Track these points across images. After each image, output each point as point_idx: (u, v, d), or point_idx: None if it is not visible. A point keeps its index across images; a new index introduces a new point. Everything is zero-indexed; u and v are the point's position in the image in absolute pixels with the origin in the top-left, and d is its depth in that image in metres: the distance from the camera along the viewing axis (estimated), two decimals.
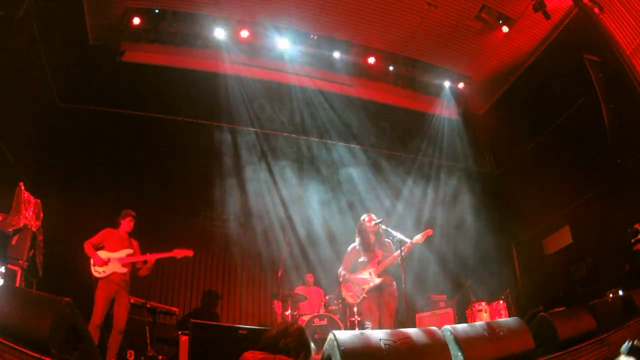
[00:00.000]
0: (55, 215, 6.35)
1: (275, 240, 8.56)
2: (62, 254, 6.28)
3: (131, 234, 5.79)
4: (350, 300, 5.43)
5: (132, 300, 6.06)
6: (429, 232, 5.21)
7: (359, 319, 6.15)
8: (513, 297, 8.14)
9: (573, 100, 8.17)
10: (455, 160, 10.18)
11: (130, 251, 5.59)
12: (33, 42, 6.33)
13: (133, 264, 5.63)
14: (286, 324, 2.72)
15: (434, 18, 8.42)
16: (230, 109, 8.95)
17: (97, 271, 5.33)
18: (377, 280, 5.22)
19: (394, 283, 5.32)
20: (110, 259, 5.41)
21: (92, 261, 5.36)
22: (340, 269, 5.48)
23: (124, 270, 5.46)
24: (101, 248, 5.47)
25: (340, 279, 5.47)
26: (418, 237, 5.16)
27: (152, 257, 5.60)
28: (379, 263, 5.28)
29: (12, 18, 5.65)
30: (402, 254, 5.02)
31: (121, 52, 8.51)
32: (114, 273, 5.36)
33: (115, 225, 5.73)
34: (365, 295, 5.21)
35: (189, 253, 5.76)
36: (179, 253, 5.68)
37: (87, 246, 5.40)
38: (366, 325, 5.10)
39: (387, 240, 5.44)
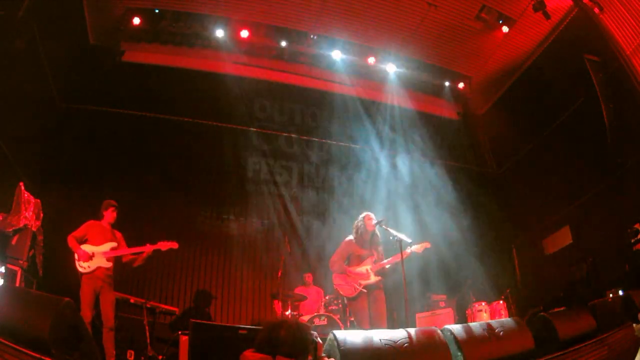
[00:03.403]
0: (55, 215, 6.34)
1: (275, 240, 8.55)
2: (62, 254, 6.25)
3: (113, 225, 5.63)
4: (343, 292, 5.36)
5: (132, 300, 6.04)
6: (427, 244, 5.31)
7: (352, 319, 6.13)
8: (513, 297, 8.14)
9: (573, 100, 8.17)
10: (456, 160, 10.18)
11: (114, 244, 5.44)
12: (33, 42, 6.33)
13: (118, 258, 5.48)
14: (274, 327, 2.63)
15: (434, 18, 8.43)
16: (230, 109, 8.95)
17: (82, 266, 5.17)
18: (374, 278, 5.23)
19: (383, 286, 5.34)
20: (94, 253, 5.26)
21: (76, 256, 5.21)
22: (335, 258, 5.40)
23: (109, 264, 5.31)
24: (85, 242, 5.32)
25: (334, 269, 5.38)
26: (416, 247, 5.21)
27: (149, 249, 5.44)
28: (375, 262, 5.29)
29: (12, 18, 5.65)
30: (403, 258, 5.03)
31: (121, 52, 8.52)
32: (98, 268, 5.21)
33: (97, 217, 5.56)
34: (364, 290, 5.19)
35: (174, 245, 5.57)
36: (163, 245, 5.51)
37: (71, 240, 5.24)
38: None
39: (380, 247, 5.42)
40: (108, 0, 7.81)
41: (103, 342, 5.00)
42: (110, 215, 5.57)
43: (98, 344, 4.85)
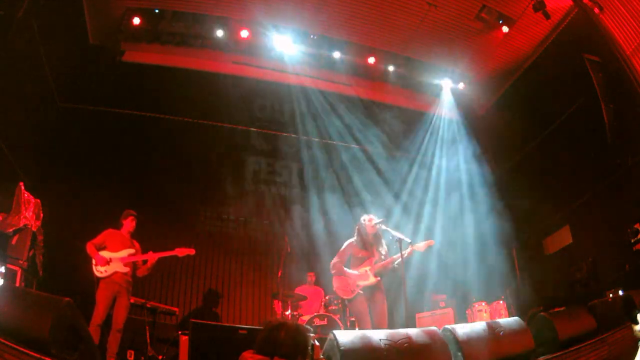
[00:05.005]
0: (55, 215, 6.35)
1: (276, 240, 8.56)
2: (62, 253, 6.28)
3: (132, 234, 5.77)
4: (341, 294, 5.36)
5: (132, 300, 6.06)
6: (431, 242, 5.26)
7: (352, 319, 6.13)
8: (513, 297, 8.14)
9: (573, 100, 8.16)
10: (456, 160, 10.17)
11: (132, 251, 5.57)
12: (33, 42, 6.33)
13: (134, 264, 5.62)
14: (273, 328, 2.60)
15: (434, 18, 8.41)
16: (230, 109, 8.95)
17: (99, 271, 5.30)
18: (373, 279, 5.23)
19: (384, 287, 5.34)
20: (112, 258, 5.39)
21: (93, 261, 5.34)
22: (335, 260, 5.40)
23: (126, 269, 5.44)
24: (103, 249, 5.45)
25: (334, 271, 5.39)
26: (419, 245, 5.18)
27: (153, 256, 5.58)
28: (375, 263, 5.28)
29: (12, 18, 5.65)
30: (403, 257, 5.02)
31: (121, 52, 8.52)
32: (115, 273, 5.34)
33: (117, 226, 5.72)
34: (361, 292, 5.19)
35: (191, 251, 5.79)
36: (181, 252, 5.70)
37: (89, 247, 5.38)
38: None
39: (385, 247, 5.42)
40: (108, 0, 7.80)
41: (108, 342, 5.07)
42: (129, 224, 5.71)
43: (100, 344, 4.88)
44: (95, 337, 4.57)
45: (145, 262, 5.62)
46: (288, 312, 6.85)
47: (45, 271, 5.97)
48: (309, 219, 9.01)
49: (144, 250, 5.69)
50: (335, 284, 5.41)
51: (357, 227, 5.48)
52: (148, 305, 6.28)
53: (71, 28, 7.49)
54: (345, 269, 5.33)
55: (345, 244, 5.51)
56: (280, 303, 6.88)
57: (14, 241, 5.48)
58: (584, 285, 7.51)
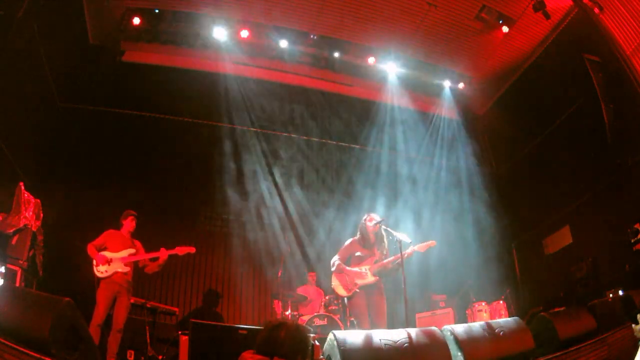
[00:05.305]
0: (56, 215, 6.35)
1: (276, 240, 8.56)
2: (62, 253, 6.28)
3: (132, 234, 5.79)
4: (339, 291, 5.35)
5: (132, 300, 6.08)
6: (432, 243, 5.23)
7: (352, 319, 6.13)
8: (513, 297, 8.14)
9: (573, 100, 8.16)
10: (456, 160, 10.18)
11: (132, 251, 5.58)
12: (33, 42, 6.32)
13: (136, 264, 5.62)
14: (273, 328, 2.58)
15: (434, 18, 8.42)
16: (230, 109, 8.95)
17: (100, 271, 5.32)
18: (372, 279, 5.23)
19: (383, 286, 5.33)
20: (112, 259, 5.41)
21: (94, 261, 5.36)
22: (335, 258, 5.41)
23: (127, 269, 5.45)
24: (104, 249, 5.47)
25: (333, 268, 5.39)
26: (420, 246, 5.17)
27: (165, 253, 5.57)
28: (375, 262, 5.29)
29: (12, 18, 5.65)
30: (403, 258, 5.01)
31: (121, 52, 8.52)
32: (116, 273, 5.36)
33: (117, 226, 5.73)
34: (358, 291, 5.19)
35: (191, 250, 5.83)
36: (181, 250, 5.73)
37: (90, 248, 5.40)
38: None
39: (386, 247, 5.42)
40: (108, 0, 7.80)
41: (108, 342, 5.08)
42: (129, 224, 5.73)
43: (100, 344, 4.89)
44: (95, 337, 4.58)
45: (154, 259, 5.62)
46: (288, 312, 6.85)
47: (45, 271, 5.98)
48: (309, 219, 9.01)
49: (153, 248, 5.69)
50: (334, 281, 5.41)
51: (359, 227, 5.49)
52: (148, 305, 6.28)
53: (71, 28, 7.49)
54: (345, 267, 5.33)
55: (347, 242, 5.52)
56: (280, 303, 6.88)
57: (14, 241, 5.48)
58: (584, 285, 7.50)
